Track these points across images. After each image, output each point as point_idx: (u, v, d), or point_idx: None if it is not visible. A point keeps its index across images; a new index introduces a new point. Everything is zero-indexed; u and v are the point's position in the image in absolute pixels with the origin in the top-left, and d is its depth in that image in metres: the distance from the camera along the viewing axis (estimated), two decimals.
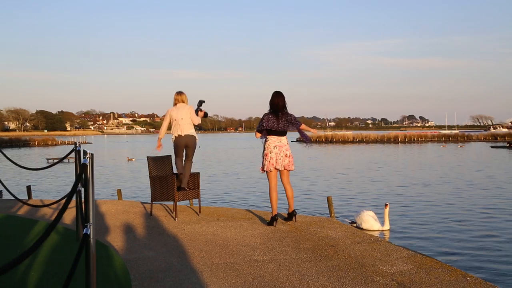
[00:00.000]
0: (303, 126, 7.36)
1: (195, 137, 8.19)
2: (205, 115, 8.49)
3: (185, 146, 8.14)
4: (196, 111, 8.30)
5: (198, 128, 8.68)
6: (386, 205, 10.72)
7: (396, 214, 12.88)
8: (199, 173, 8.29)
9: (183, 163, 8.26)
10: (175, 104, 8.20)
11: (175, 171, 8.36)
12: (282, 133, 7.13)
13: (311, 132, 7.78)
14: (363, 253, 5.60)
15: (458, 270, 5.02)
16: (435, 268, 5.03)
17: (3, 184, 8.54)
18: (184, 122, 8.07)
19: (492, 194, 17.24)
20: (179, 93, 8.28)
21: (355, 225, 10.67)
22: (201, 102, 8.45)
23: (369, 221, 10.48)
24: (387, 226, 10.55)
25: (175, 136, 8.08)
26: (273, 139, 7.08)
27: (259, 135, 7.31)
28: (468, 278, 4.69)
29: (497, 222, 12.05)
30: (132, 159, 40.58)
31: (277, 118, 7.06)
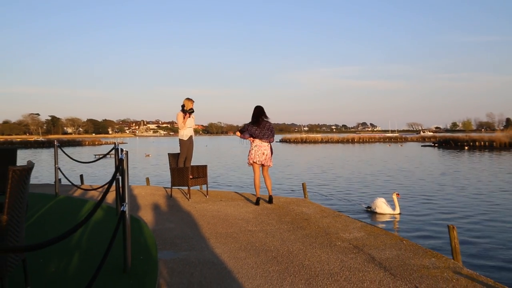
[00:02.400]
0: (271, 141, 7.18)
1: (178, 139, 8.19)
2: (190, 110, 8.10)
3: None
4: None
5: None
6: (397, 194, 9.94)
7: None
8: (206, 165, 8.26)
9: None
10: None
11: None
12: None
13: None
14: (329, 225, 5.63)
15: (397, 236, 5.07)
16: (380, 234, 5.07)
17: (62, 173, 8.46)
18: None
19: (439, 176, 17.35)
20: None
21: (370, 209, 10.09)
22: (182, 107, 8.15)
23: (382, 206, 9.74)
24: (398, 211, 9.71)
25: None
26: (256, 141, 7.07)
27: (239, 134, 7.30)
28: (404, 242, 4.74)
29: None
30: (148, 155, 39.85)
31: (258, 127, 7.02)
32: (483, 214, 10.13)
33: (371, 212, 9.98)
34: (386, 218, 9.56)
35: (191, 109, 8.11)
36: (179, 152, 8.20)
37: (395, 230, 8.65)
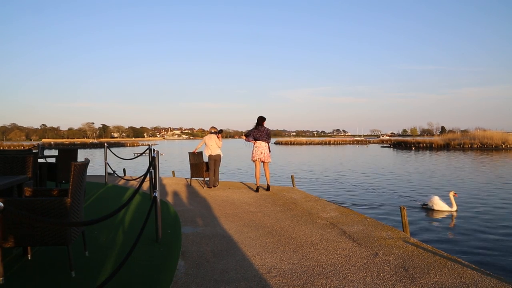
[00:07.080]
0: (268, 142, 7.12)
1: (220, 154, 7.64)
2: (220, 131, 7.82)
3: (214, 160, 7.61)
4: (217, 133, 7.73)
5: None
6: (454, 193, 8.12)
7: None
8: None
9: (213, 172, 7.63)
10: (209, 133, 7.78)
11: (205, 160, 8.04)
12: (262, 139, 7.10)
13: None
14: (311, 207, 5.62)
15: (363, 215, 5.02)
16: (350, 214, 5.05)
17: (110, 167, 8.49)
18: (213, 146, 7.61)
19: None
20: (211, 127, 7.85)
21: (426, 206, 8.16)
22: (220, 130, 7.80)
23: (439, 204, 7.94)
24: (454, 208, 7.86)
25: (208, 154, 7.62)
26: (257, 143, 7.05)
27: (244, 137, 7.22)
28: (368, 219, 4.72)
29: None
30: (162, 154, 35.61)
31: (260, 131, 7.04)
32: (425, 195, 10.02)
33: (427, 209, 8.13)
34: (443, 215, 7.74)
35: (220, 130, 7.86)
36: (198, 151, 8.18)
37: (452, 225, 6.90)
